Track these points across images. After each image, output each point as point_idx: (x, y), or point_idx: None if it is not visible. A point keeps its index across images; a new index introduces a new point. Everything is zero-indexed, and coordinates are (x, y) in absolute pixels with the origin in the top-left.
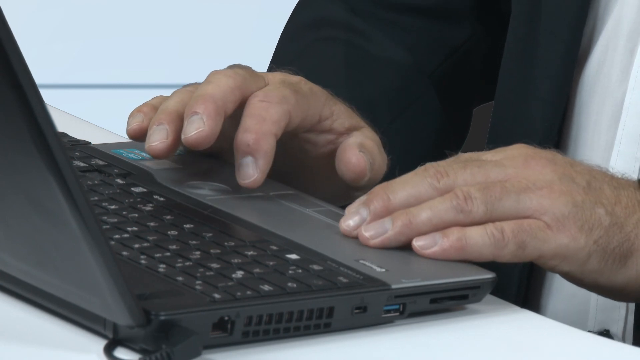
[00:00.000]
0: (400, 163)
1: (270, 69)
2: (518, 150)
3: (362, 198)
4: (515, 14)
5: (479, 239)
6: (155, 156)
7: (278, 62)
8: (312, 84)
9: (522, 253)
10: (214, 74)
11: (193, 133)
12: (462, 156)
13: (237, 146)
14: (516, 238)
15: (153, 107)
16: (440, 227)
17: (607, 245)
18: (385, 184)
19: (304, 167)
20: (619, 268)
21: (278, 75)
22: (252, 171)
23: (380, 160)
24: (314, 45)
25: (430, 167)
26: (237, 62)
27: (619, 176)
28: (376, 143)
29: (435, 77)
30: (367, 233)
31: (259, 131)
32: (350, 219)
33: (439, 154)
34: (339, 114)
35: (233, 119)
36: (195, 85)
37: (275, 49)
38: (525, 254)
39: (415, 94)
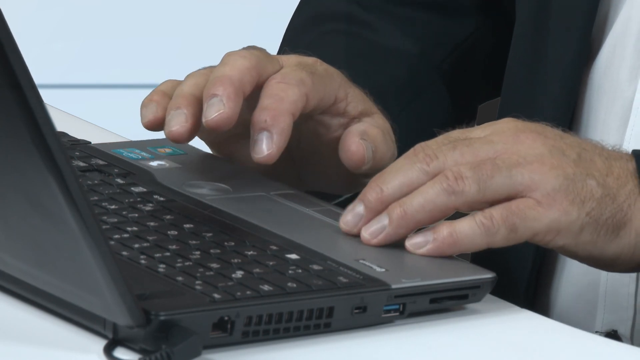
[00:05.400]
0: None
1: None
2: (507, 124)
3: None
4: (521, 19)
5: (469, 231)
6: (176, 141)
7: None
8: (327, 65)
9: (515, 235)
10: (229, 55)
11: (214, 115)
12: (451, 135)
13: (254, 123)
14: (506, 222)
15: (165, 94)
16: (436, 213)
17: (599, 217)
18: (377, 175)
19: (315, 151)
20: (612, 239)
21: (293, 58)
22: (267, 146)
23: (385, 148)
24: (320, 38)
25: (420, 151)
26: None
27: (610, 148)
28: (383, 130)
29: (442, 70)
30: (367, 233)
31: (277, 109)
32: (348, 215)
33: None
34: (353, 97)
35: (247, 101)
36: (209, 68)
37: (281, 44)
38: (519, 236)
39: (423, 84)
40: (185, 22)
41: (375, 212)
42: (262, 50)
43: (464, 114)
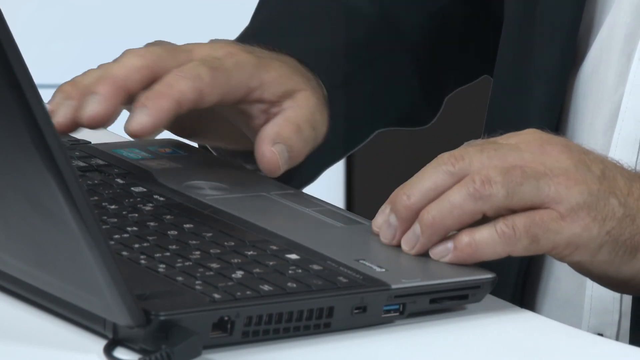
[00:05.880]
0: (369, 116)
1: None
2: (532, 135)
3: (386, 205)
4: (508, 22)
5: (488, 239)
6: (59, 131)
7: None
8: (241, 55)
9: (536, 246)
10: (125, 52)
11: (88, 114)
12: (476, 141)
13: (136, 100)
14: (528, 232)
15: (76, 85)
16: (464, 218)
17: (619, 237)
18: (403, 184)
19: (250, 135)
20: (629, 260)
21: (205, 50)
22: (139, 119)
23: (301, 143)
24: None
25: (445, 154)
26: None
27: (629, 169)
28: (299, 122)
29: (412, 40)
30: (405, 246)
31: (162, 92)
32: (386, 231)
33: (410, 120)
34: (270, 83)
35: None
36: (118, 57)
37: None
38: (539, 247)
39: (382, 49)
40: (185, 22)
41: (406, 221)
42: (165, 46)
43: (430, 97)
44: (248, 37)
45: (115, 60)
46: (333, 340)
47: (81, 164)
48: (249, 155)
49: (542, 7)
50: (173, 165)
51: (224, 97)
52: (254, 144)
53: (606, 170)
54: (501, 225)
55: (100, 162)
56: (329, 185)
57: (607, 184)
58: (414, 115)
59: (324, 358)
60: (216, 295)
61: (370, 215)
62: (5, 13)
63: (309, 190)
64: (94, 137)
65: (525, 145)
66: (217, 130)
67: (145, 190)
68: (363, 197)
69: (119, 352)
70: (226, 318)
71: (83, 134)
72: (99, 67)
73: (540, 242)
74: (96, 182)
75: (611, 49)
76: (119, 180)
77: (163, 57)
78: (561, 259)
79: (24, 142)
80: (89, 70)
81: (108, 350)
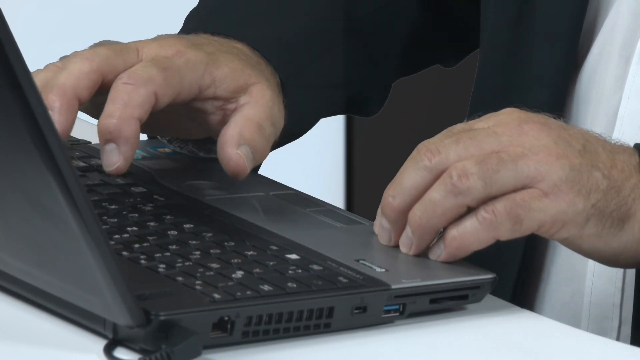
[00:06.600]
0: (318, 104)
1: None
2: (510, 115)
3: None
4: (496, 26)
5: (471, 229)
6: None
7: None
8: (190, 52)
9: (520, 227)
10: (73, 56)
11: None
12: (454, 128)
13: (100, 132)
14: (510, 214)
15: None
16: (449, 214)
17: (604, 209)
18: (390, 183)
19: (208, 131)
20: (616, 232)
21: (153, 48)
22: (115, 158)
23: (263, 143)
24: None
25: (422, 148)
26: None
27: (612, 141)
28: (259, 119)
29: (363, 30)
30: (402, 248)
31: (121, 116)
32: (382, 235)
33: (356, 109)
34: (222, 79)
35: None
36: (65, 60)
37: None
38: (524, 228)
39: (335, 37)
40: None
41: (396, 223)
42: (112, 46)
43: (378, 86)
44: (199, 22)
45: (62, 67)
46: (333, 340)
47: (81, 164)
48: (201, 142)
49: (540, 9)
50: (173, 165)
51: (177, 97)
52: (217, 146)
53: (587, 144)
54: (482, 212)
55: (100, 162)
56: (329, 185)
57: (589, 157)
58: (360, 104)
59: (324, 358)
60: (216, 295)
61: (370, 215)
62: (5, 13)
63: (309, 190)
64: (94, 137)
65: (502, 128)
66: (168, 123)
67: (145, 190)
68: (363, 197)
69: (119, 352)
70: (226, 318)
71: (83, 134)
72: (47, 68)
73: (524, 222)
74: (96, 182)
75: (610, 52)
76: (119, 180)
77: (111, 57)
78: (550, 237)
79: (24, 142)
80: (39, 72)
81: (108, 350)
